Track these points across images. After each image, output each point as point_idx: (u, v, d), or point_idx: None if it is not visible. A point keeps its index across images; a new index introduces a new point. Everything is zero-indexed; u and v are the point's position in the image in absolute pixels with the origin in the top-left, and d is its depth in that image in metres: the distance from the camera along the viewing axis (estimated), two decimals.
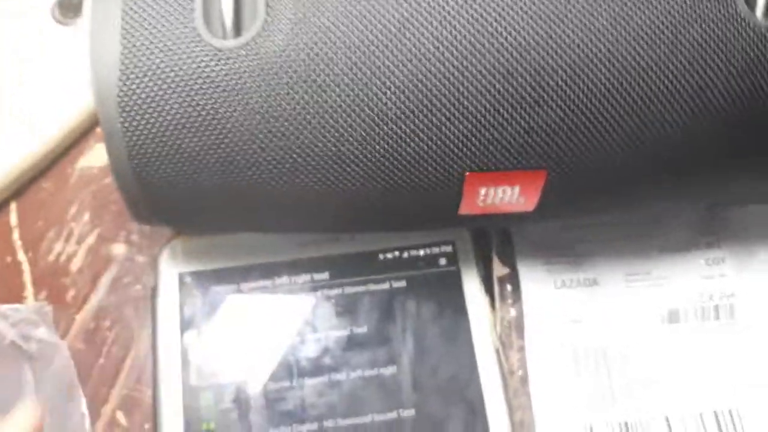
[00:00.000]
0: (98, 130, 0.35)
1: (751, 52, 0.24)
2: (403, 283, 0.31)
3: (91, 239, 0.33)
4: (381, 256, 0.32)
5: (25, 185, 0.33)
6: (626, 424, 0.30)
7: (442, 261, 0.32)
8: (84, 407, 0.29)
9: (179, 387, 0.29)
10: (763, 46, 0.24)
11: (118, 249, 0.32)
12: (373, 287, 0.31)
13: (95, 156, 0.34)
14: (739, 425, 0.30)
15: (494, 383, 0.30)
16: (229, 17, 0.23)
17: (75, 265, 0.32)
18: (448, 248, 0.32)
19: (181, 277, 0.31)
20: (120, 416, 0.30)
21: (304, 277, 0.31)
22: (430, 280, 0.31)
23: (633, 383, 0.31)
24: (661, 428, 0.30)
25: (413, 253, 0.32)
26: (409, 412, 0.29)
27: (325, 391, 0.29)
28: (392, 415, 0.29)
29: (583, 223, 0.33)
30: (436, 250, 0.32)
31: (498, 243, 0.32)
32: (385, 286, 0.31)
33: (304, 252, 0.31)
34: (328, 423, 0.29)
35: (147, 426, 0.29)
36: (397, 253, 0.32)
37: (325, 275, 0.31)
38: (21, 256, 0.32)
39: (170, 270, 0.31)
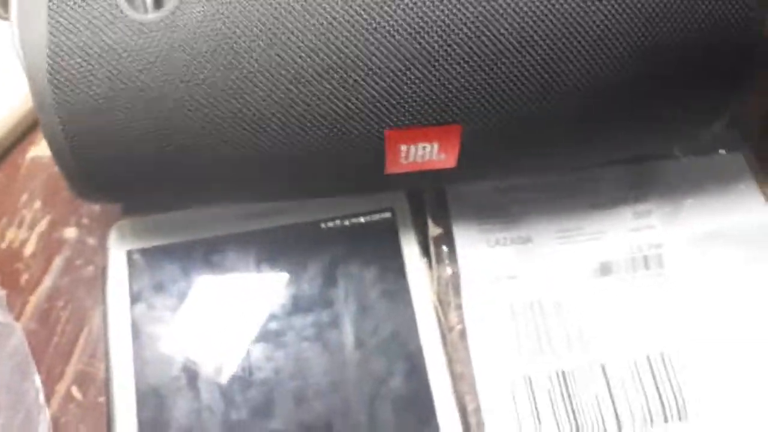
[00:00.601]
0: None
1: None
2: (344, 250, 0.32)
3: (42, 225, 0.34)
4: (323, 225, 0.33)
5: None
6: (563, 372, 0.31)
7: (382, 227, 0.33)
8: (39, 383, 0.30)
9: (130, 359, 0.30)
10: None
11: (70, 233, 0.34)
12: (315, 255, 0.32)
13: (45, 147, 0.35)
14: (670, 367, 0.31)
15: (433, 339, 0.31)
16: None
17: (28, 250, 0.33)
18: (387, 214, 0.33)
19: (129, 254, 0.32)
20: (75, 391, 0.31)
21: (248, 249, 0.32)
22: (371, 245, 0.33)
23: (568, 334, 0.32)
24: (597, 375, 0.31)
25: (354, 220, 0.33)
26: (352, 371, 0.30)
27: (271, 354, 0.30)
28: (336, 373, 0.30)
29: (516, 185, 0.34)
30: (376, 217, 0.33)
31: (432, 205, 0.33)
32: (328, 253, 0.32)
33: (247, 225, 0.32)
34: (275, 385, 0.30)
35: (101, 399, 0.30)
36: (338, 221, 0.33)
37: (269, 246, 0.32)
38: None
39: (119, 248, 0.32)
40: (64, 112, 0.25)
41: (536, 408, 0.31)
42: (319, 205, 0.33)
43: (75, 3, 0.24)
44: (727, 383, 0.31)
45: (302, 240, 0.32)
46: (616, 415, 0.31)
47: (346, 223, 0.33)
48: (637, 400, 0.31)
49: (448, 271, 0.32)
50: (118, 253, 0.32)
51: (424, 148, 0.27)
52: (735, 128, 0.35)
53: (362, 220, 0.33)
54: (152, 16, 0.24)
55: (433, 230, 0.33)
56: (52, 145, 0.25)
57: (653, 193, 0.34)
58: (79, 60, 0.24)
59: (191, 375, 0.30)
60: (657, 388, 0.31)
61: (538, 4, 0.24)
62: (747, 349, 0.32)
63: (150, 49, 0.24)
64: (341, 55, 0.24)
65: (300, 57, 0.24)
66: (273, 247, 0.32)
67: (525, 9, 0.24)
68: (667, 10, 0.25)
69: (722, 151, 0.35)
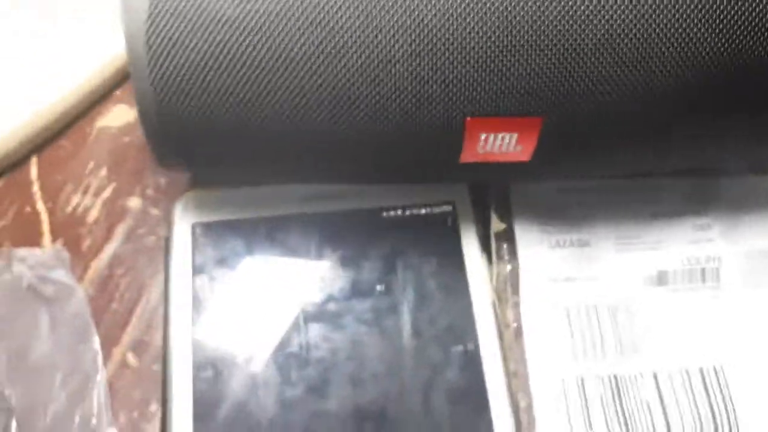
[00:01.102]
0: (116, 93, 0.37)
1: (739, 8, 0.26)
2: (405, 240, 0.33)
3: (107, 193, 0.34)
4: (384, 214, 0.33)
5: (46, 142, 0.35)
6: (615, 377, 0.31)
7: (443, 220, 0.33)
8: (97, 346, 0.30)
9: (189, 329, 0.30)
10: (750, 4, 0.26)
11: (134, 202, 0.34)
12: (376, 242, 0.32)
13: (113, 117, 0.36)
14: (723, 380, 0.31)
15: (490, 334, 0.31)
16: None
17: (91, 216, 0.34)
18: (448, 208, 0.33)
19: (193, 227, 0.32)
20: (130, 357, 0.31)
21: (311, 230, 0.32)
22: (431, 237, 0.33)
23: (622, 340, 0.32)
24: (648, 383, 0.31)
25: (415, 211, 0.33)
26: (408, 358, 0.30)
27: (329, 335, 0.30)
28: (392, 360, 0.30)
29: (579, 187, 0.34)
30: (436, 209, 0.33)
31: (496, 201, 0.33)
32: (388, 241, 0.33)
33: (310, 206, 0.33)
34: (331, 366, 0.30)
35: (155, 367, 0.31)
36: (399, 211, 0.33)
37: (330, 229, 0.32)
38: (40, 206, 0.34)
39: (184, 221, 0.32)
40: (156, 74, 0.25)
41: (587, 410, 0.31)
42: (380, 193, 0.33)
43: None
44: None
45: (363, 226, 0.33)
46: (667, 423, 0.31)
47: (407, 213, 0.33)
48: (688, 411, 0.31)
49: (507, 268, 0.33)
50: (183, 224, 0.32)
51: (503, 138, 0.27)
52: None
53: (423, 211, 0.33)
54: None
55: (497, 225, 0.33)
56: (140, 103, 0.26)
57: (714, 207, 0.34)
58: (177, 24, 0.25)
59: (249, 349, 0.30)
60: (709, 402, 0.31)
61: (621, 7, 0.25)
62: None
63: (249, 18, 0.25)
64: (433, 37, 0.25)
65: (393, 36, 0.25)
66: (334, 231, 0.32)
67: (619, 7, 0.25)
68: (755, 26, 0.25)
69: None
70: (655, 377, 0.32)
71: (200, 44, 0.25)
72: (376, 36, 0.25)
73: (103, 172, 0.34)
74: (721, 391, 0.31)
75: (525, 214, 0.33)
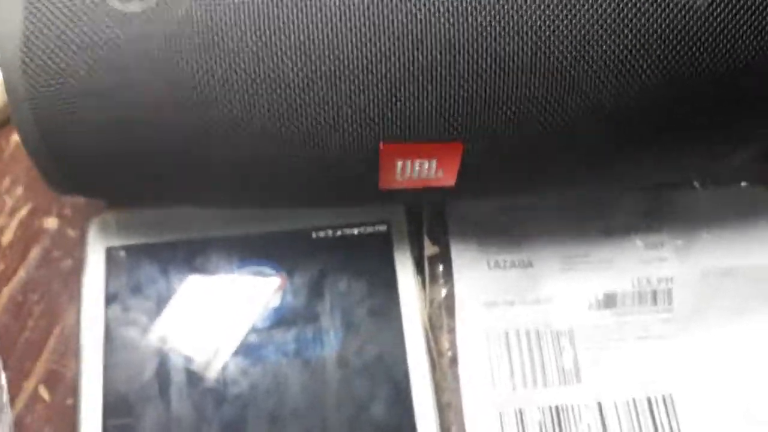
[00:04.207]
0: None
1: (673, 25, 0.23)
2: (335, 262, 0.31)
3: (23, 212, 0.32)
4: (314, 234, 0.31)
5: None
6: (557, 408, 0.30)
7: (376, 240, 0.31)
8: (4, 381, 0.29)
9: (100, 363, 0.28)
10: (685, 19, 0.23)
11: (50, 223, 0.32)
12: (304, 265, 0.30)
13: None
14: (672, 412, 0.30)
15: (421, 364, 0.29)
16: None
17: (6, 238, 0.32)
18: (382, 227, 0.31)
19: (108, 251, 0.30)
20: (42, 391, 0.29)
21: (233, 254, 0.30)
22: (363, 258, 0.31)
23: (565, 367, 0.30)
24: (592, 414, 0.30)
25: (347, 231, 0.31)
26: (332, 392, 0.28)
27: (248, 369, 0.29)
28: (315, 394, 0.28)
29: (521, 204, 0.32)
30: (370, 229, 0.31)
31: (430, 221, 0.31)
32: (317, 264, 0.31)
33: (234, 228, 0.31)
34: (250, 402, 0.28)
35: (69, 401, 0.29)
36: (330, 231, 0.31)
37: (256, 253, 0.30)
38: None
39: (98, 244, 0.30)
40: (37, 105, 0.23)
41: None
42: (311, 212, 0.31)
43: None
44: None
45: (291, 248, 0.31)
46: None
47: (339, 233, 0.31)
48: None
49: (443, 292, 0.31)
50: (96, 249, 0.30)
51: (421, 164, 0.25)
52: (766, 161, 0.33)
53: (356, 231, 0.31)
54: (135, 5, 0.22)
55: (429, 249, 0.31)
56: (24, 138, 0.24)
57: (667, 223, 0.32)
58: (55, 50, 0.22)
59: (163, 384, 0.28)
60: None
61: (547, 24, 0.22)
62: (756, 397, 0.30)
63: (132, 41, 0.22)
64: (336, 61, 0.22)
65: (291, 60, 0.22)
66: (259, 254, 0.30)
67: (539, 25, 0.22)
68: (703, 35, 0.23)
69: (744, 184, 0.33)
70: (600, 407, 0.30)
71: (81, 70, 0.23)
72: (272, 59, 0.22)
73: (20, 190, 0.33)
74: (669, 422, 0.29)
75: (462, 234, 0.31)
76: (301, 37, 0.22)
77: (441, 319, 0.30)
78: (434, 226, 0.31)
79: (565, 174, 0.27)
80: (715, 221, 0.32)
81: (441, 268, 0.31)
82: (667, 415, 0.30)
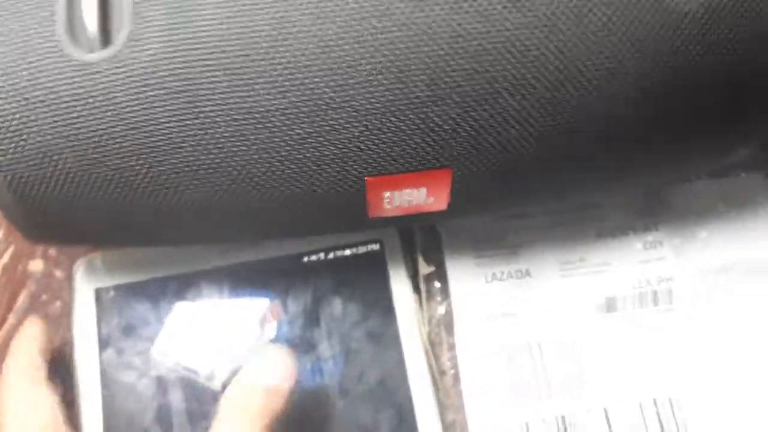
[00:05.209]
0: None
1: (661, 32, 0.22)
2: (329, 286, 0.30)
3: (6, 257, 0.31)
4: (305, 259, 0.30)
5: None
6: (563, 418, 0.29)
7: (369, 261, 0.30)
8: None
9: (99, 407, 0.28)
10: (676, 27, 0.22)
11: (35, 266, 0.31)
12: (297, 292, 0.30)
13: None
14: (679, 412, 0.29)
15: (423, 385, 0.29)
16: (93, 28, 0.21)
17: None
18: (376, 247, 0.31)
19: (97, 292, 0.30)
20: None
21: (226, 286, 0.30)
22: (357, 281, 0.30)
23: (569, 376, 0.30)
24: (599, 420, 0.29)
25: (339, 253, 0.31)
26: (335, 423, 0.28)
27: None
28: (318, 427, 0.28)
29: (515, 213, 0.31)
30: (362, 249, 0.31)
31: (423, 240, 0.31)
32: (310, 289, 0.30)
33: (224, 259, 0.30)
34: None
35: None
36: (322, 255, 0.31)
37: (247, 282, 0.30)
38: None
39: (86, 285, 0.30)
40: (3, 164, 0.22)
41: None
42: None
43: (12, 41, 0.21)
44: (738, 430, 0.29)
45: (283, 275, 0.30)
46: None
47: (331, 256, 0.30)
48: None
49: (441, 309, 0.30)
50: (85, 290, 0.29)
51: (410, 193, 0.24)
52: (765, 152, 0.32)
53: (348, 252, 0.31)
54: (99, 54, 0.21)
55: (424, 268, 0.30)
56: None
57: (664, 220, 0.31)
58: (17, 105, 0.21)
59: (165, 426, 0.28)
60: None
61: (533, 42, 0.21)
62: (763, 395, 0.29)
63: (97, 92, 0.21)
64: (313, 97, 0.22)
65: (268, 100, 0.21)
66: (252, 283, 0.30)
67: (518, 48, 0.21)
68: (684, 43, 0.22)
69: (742, 174, 0.32)
70: (606, 413, 0.29)
71: (46, 124, 0.22)
72: (247, 101, 0.21)
73: (0, 233, 0.32)
74: (676, 423, 0.29)
75: (457, 248, 0.31)
76: (277, 75, 0.21)
77: (441, 336, 0.30)
78: (429, 240, 0.31)
79: (559, 186, 0.26)
80: (712, 215, 0.31)
81: (438, 284, 0.30)
82: (674, 416, 0.29)
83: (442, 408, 0.29)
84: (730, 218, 0.31)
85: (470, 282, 0.30)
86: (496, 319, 0.30)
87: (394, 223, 0.29)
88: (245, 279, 0.30)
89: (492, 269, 0.31)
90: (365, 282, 0.30)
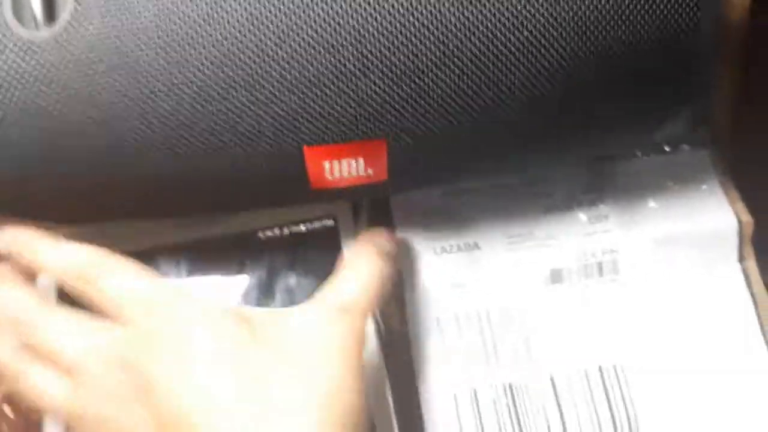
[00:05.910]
0: None
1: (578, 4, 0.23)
2: (284, 260, 0.31)
3: None
4: (261, 234, 0.31)
5: None
6: (510, 385, 0.30)
7: (324, 235, 0.31)
8: None
9: None
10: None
11: None
12: (252, 267, 0.31)
13: None
14: (623, 380, 0.30)
15: (373, 354, 0.30)
16: (38, 7, 0.22)
17: None
18: (330, 222, 0.32)
19: None
20: None
21: (180, 262, 0.31)
22: (312, 254, 0.31)
23: (516, 345, 0.31)
24: (545, 387, 0.30)
25: (294, 229, 0.32)
26: None
27: None
28: None
29: (464, 187, 0.32)
30: (318, 224, 0.32)
31: (375, 214, 0.32)
32: (265, 264, 0.31)
33: (179, 234, 0.31)
34: None
35: None
36: (277, 230, 0.32)
37: (202, 258, 0.31)
38: None
39: None
40: None
41: (481, 422, 0.30)
42: (257, 212, 0.32)
43: None
44: (682, 397, 0.30)
45: (238, 251, 0.31)
46: (564, 429, 0.30)
47: (286, 231, 0.32)
48: (586, 414, 0.30)
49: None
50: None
51: (349, 163, 0.25)
52: (704, 127, 0.33)
53: (303, 228, 0.32)
54: (43, 33, 0.22)
55: None
56: None
57: (610, 195, 0.32)
58: None
59: None
60: (608, 402, 0.30)
61: (456, 17, 0.22)
62: (705, 362, 0.30)
63: (42, 69, 0.22)
64: (249, 70, 0.23)
65: (204, 73, 0.23)
66: (207, 259, 0.31)
67: (446, 21, 0.22)
68: (603, 18, 0.23)
69: (686, 147, 0.33)
70: (552, 381, 0.30)
71: None
72: (185, 75, 0.22)
73: None
74: (621, 390, 0.30)
75: (407, 222, 0.32)
76: (213, 50, 0.22)
77: (391, 306, 0.31)
78: (380, 216, 0.32)
79: (496, 159, 0.27)
80: (658, 189, 0.32)
81: None
82: (619, 385, 0.30)
83: (392, 376, 0.30)
84: (673, 192, 0.32)
85: (420, 254, 0.31)
86: (445, 290, 0.31)
87: (346, 197, 0.30)
88: (202, 255, 0.31)
89: (441, 242, 0.32)
90: (320, 256, 0.31)
